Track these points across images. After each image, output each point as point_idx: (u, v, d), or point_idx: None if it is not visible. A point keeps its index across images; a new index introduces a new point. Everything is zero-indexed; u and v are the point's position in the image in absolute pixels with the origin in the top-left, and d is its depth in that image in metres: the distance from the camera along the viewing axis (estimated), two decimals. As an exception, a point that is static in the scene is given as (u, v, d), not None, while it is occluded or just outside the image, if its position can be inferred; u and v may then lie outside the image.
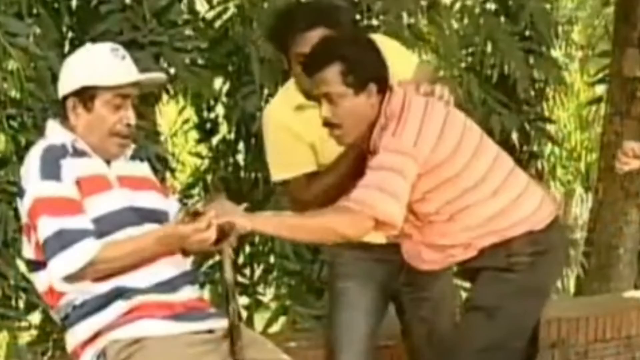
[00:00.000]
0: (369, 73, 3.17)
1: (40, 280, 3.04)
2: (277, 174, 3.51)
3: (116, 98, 3.02)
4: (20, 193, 3.00)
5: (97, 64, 3.04)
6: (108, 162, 3.07)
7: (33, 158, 2.98)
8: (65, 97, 3.05)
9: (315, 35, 3.27)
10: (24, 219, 3.00)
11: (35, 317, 4.26)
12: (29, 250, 3.04)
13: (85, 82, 3.01)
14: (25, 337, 4.27)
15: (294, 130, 3.42)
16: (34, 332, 4.31)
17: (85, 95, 3.01)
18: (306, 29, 3.30)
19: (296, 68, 3.34)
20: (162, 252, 3.00)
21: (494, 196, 3.20)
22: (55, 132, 3.07)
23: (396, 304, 3.61)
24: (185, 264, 3.12)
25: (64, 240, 2.89)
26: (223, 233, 3.05)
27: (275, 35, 3.48)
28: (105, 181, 3.03)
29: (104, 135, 3.04)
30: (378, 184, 3.08)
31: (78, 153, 3.02)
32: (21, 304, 4.01)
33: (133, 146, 3.19)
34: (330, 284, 3.64)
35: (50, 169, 2.94)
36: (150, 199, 3.11)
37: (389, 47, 3.37)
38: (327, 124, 3.19)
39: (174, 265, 3.06)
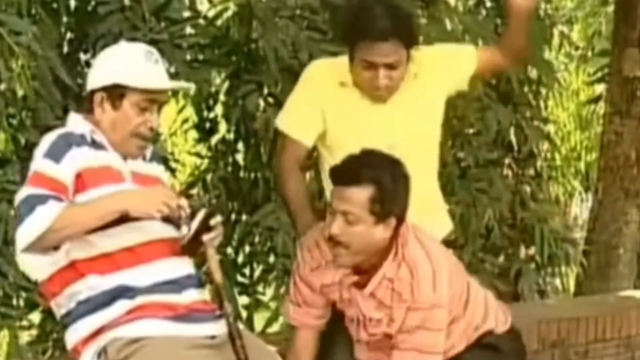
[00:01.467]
0: (395, 207, 3.13)
1: (45, 267, 3.04)
2: (281, 121, 3.55)
3: (144, 101, 3.06)
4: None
5: (131, 64, 3.07)
6: (124, 158, 3.09)
7: (46, 140, 3.02)
8: (94, 91, 3.07)
9: (387, 47, 3.27)
10: None
11: (36, 317, 4.26)
12: None
13: (117, 80, 3.04)
14: (25, 337, 4.27)
15: (323, 101, 3.42)
16: (34, 332, 4.30)
17: (115, 92, 3.04)
18: (379, 39, 3.27)
19: (358, 70, 3.35)
20: (134, 204, 2.93)
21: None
22: (76, 123, 3.10)
23: None
24: (190, 266, 3.12)
25: (28, 204, 2.89)
26: (194, 244, 3.06)
27: (345, 30, 3.47)
28: (118, 173, 3.05)
29: (126, 134, 3.07)
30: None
31: (95, 145, 3.04)
32: (21, 303, 4.00)
33: (152, 148, 3.21)
34: None
35: (55, 151, 2.97)
36: None
37: (444, 55, 3.49)
38: (332, 239, 3.13)
39: (180, 266, 3.07)
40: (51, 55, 3.79)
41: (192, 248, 3.08)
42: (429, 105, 3.51)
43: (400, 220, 3.16)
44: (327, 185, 3.40)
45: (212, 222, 3.07)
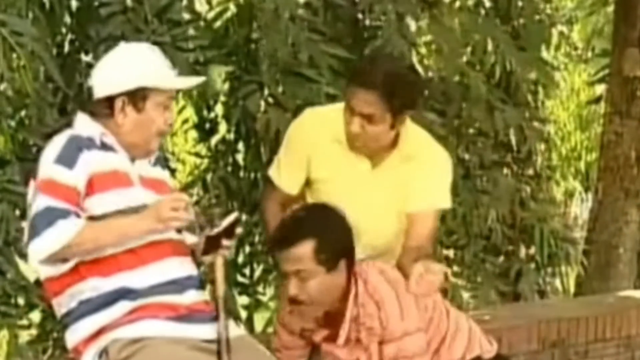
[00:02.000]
0: (341, 251, 3.19)
1: (47, 267, 3.04)
2: (271, 168, 3.62)
3: (167, 100, 3.09)
4: (34, 176, 3.03)
5: (151, 66, 3.08)
6: (133, 160, 3.10)
7: (56, 144, 3.02)
8: (112, 96, 3.05)
9: (368, 97, 3.30)
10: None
11: (36, 316, 4.26)
12: None
13: (141, 83, 3.04)
14: (25, 336, 4.27)
15: (312, 152, 3.48)
16: (34, 331, 4.30)
17: (138, 95, 3.04)
18: (362, 86, 3.32)
19: (345, 113, 3.39)
20: (143, 229, 2.99)
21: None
22: (84, 124, 3.09)
23: None
24: (192, 267, 3.13)
25: (47, 217, 2.91)
26: (213, 244, 3.08)
27: (351, 75, 3.53)
28: (127, 178, 3.06)
29: (150, 135, 3.08)
30: None
31: (105, 147, 3.04)
32: (21, 302, 4.00)
33: (158, 152, 3.22)
34: None
35: (67, 156, 2.97)
36: None
37: (422, 174, 3.44)
38: (293, 301, 3.20)
39: (182, 267, 3.09)
40: (45, 56, 3.77)
41: (206, 249, 3.10)
42: (406, 197, 3.48)
43: (350, 259, 3.22)
44: None
45: (238, 229, 3.15)
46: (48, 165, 2.98)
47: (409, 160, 3.46)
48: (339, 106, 3.49)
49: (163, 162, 3.32)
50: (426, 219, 3.50)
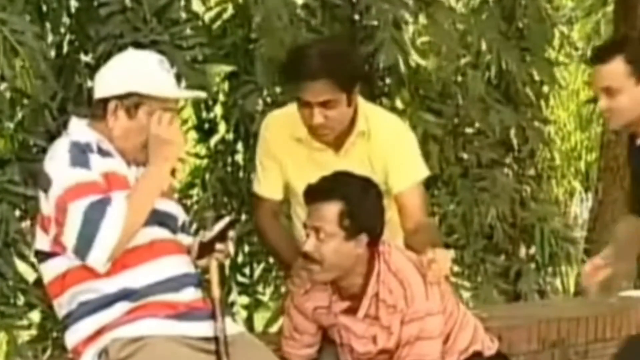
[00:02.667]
0: (366, 222, 3.24)
1: (49, 270, 3.06)
2: (253, 183, 3.75)
3: (159, 110, 3.03)
4: (43, 185, 3.00)
5: (148, 73, 3.07)
6: (129, 164, 3.09)
7: (61, 150, 3.00)
8: (106, 99, 3.05)
9: (318, 86, 3.36)
10: (47, 210, 3.00)
11: (35, 316, 4.26)
12: (44, 243, 3.05)
13: (134, 89, 3.02)
14: (25, 336, 4.27)
15: (280, 156, 3.58)
16: (33, 332, 4.30)
17: (131, 101, 3.02)
18: (309, 79, 3.37)
19: (300, 110, 3.45)
20: (163, 172, 3.01)
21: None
22: (80, 130, 3.08)
23: None
24: (190, 265, 3.14)
25: (94, 215, 2.89)
26: (207, 248, 3.09)
27: (283, 71, 3.65)
28: (125, 180, 3.05)
29: (138, 144, 3.05)
30: None
31: (102, 153, 3.04)
32: (21, 302, 4.00)
33: None
34: None
35: (80, 159, 2.97)
36: (164, 203, 3.14)
37: (396, 151, 3.53)
38: (306, 256, 3.24)
39: (180, 265, 3.10)
40: (39, 57, 3.78)
41: (200, 254, 3.13)
42: (372, 173, 3.52)
43: (373, 237, 3.25)
44: (297, 231, 3.61)
45: (231, 233, 3.14)
46: (66, 173, 2.96)
47: (368, 137, 3.55)
48: (289, 107, 3.59)
49: None
50: (413, 194, 3.60)
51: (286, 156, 3.59)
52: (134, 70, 3.07)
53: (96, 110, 3.08)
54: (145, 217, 2.97)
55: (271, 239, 3.73)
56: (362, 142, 3.55)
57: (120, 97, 3.03)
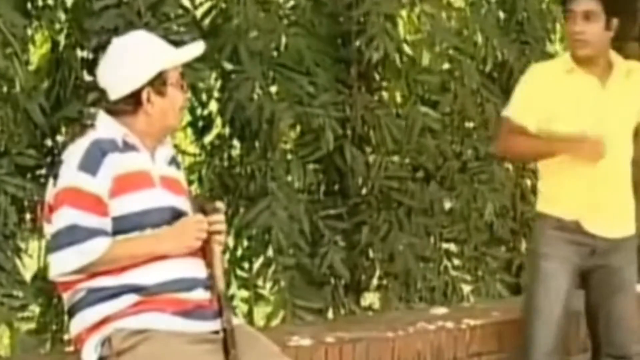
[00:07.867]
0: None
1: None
2: (505, 110, 4.13)
3: (180, 76, 3.16)
4: (54, 175, 3.07)
5: (159, 48, 3.17)
6: (152, 155, 3.13)
7: (79, 148, 3.04)
8: (138, 90, 3.09)
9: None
10: (50, 200, 3.06)
11: (35, 308, 4.29)
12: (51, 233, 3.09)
13: (159, 68, 3.09)
14: (25, 328, 4.29)
15: (556, 87, 3.96)
16: (33, 325, 4.32)
17: (159, 81, 3.10)
18: None
19: (567, 22, 3.98)
20: (171, 247, 3.06)
21: None
22: (106, 126, 3.11)
23: (585, 283, 4.14)
24: (203, 269, 3.16)
25: (73, 236, 2.95)
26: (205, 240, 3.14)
27: None
28: (149, 178, 3.10)
29: (177, 114, 3.16)
30: None
31: (128, 147, 3.07)
32: (21, 295, 4.02)
33: (172, 153, 3.26)
34: (533, 261, 4.17)
35: (90, 162, 3.00)
36: (183, 203, 3.20)
37: None
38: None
39: (191, 267, 3.12)
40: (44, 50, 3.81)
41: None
42: (628, 111, 4.05)
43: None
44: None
45: (218, 204, 3.21)
46: (72, 172, 3.00)
47: (629, 75, 4.04)
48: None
49: (177, 162, 3.34)
50: None
51: (556, 88, 3.95)
52: (149, 51, 3.14)
53: (125, 106, 3.11)
54: (113, 267, 3.03)
55: (521, 144, 4.04)
56: (622, 80, 4.00)
57: (150, 83, 3.09)
